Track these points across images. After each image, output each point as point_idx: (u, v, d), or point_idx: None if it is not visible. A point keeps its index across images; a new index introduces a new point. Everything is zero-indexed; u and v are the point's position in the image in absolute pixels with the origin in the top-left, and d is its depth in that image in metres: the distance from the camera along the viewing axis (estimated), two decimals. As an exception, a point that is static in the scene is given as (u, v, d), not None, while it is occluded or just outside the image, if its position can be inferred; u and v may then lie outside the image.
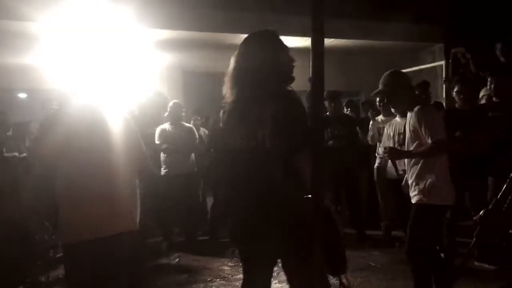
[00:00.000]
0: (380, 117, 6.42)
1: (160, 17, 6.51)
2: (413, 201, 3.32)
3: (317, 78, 1.79)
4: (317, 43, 1.78)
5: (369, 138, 6.30)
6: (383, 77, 3.61)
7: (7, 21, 6.26)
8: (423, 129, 3.20)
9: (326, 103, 6.49)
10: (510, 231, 1.67)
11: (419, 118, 3.23)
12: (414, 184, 3.34)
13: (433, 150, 3.15)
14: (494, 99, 4.64)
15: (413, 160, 3.36)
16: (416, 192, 3.31)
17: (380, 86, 3.59)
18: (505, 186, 1.73)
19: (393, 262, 5.11)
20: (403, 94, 3.42)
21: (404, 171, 5.49)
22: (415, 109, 3.29)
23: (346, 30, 7.24)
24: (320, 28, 1.75)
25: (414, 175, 3.35)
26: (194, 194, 6.20)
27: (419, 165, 3.30)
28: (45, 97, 6.77)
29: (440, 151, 3.19)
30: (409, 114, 3.41)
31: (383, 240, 6.05)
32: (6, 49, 6.49)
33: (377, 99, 6.04)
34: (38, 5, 5.91)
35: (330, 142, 6.21)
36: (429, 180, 3.21)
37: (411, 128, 3.33)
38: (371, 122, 6.47)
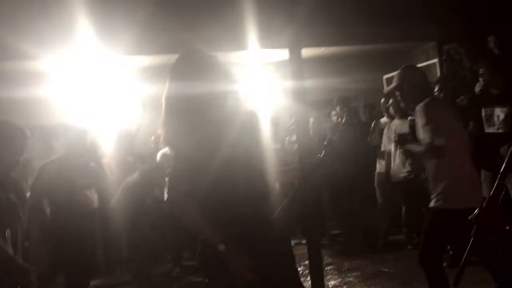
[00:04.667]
0: (383, 119, 6.35)
1: (143, 42, 6.57)
2: (430, 204, 3.11)
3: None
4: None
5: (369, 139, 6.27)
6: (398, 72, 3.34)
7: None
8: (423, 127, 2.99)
9: (338, 109, 6.51)
10: (507, 227, 1.64)
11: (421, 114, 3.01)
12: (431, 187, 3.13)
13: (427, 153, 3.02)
14: (493, 90, 4.55)
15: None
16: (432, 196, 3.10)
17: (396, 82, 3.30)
18: (496, 183, 1.70)
19: (407, 267, 5.03)
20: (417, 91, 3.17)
21: (410, 171, 5.50)
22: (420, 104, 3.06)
23: (337, 37, 7.28)
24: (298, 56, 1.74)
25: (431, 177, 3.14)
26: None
27: (433, 166, 3.09)
28: (47, 133, 6.87)
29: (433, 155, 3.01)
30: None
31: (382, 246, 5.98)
32: (7, 87, 6.56)
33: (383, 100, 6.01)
34: (40, 45, 6.02)
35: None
36: (444, 182, 3.01)
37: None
38: (373, 124, 6.39)
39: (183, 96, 1.98)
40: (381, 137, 6.06)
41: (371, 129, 6.30)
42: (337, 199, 6.55)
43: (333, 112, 6.82)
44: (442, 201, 3.02)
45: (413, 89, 3.19)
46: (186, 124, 1.97)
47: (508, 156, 1.73)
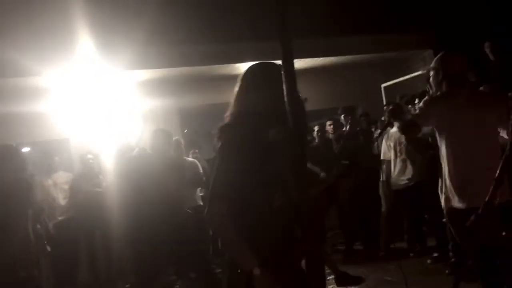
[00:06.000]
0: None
1: (143, 57, 6.60)
2: None
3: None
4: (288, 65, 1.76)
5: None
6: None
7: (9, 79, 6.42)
8: None
9: (342, 118, 6.58)
10: (504, 233, 1.65)
11: None
12: None
13: None
14: None
15: None
16: None
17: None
18: (491, 189, 1.72)
19: (410, 275, 5.01)
20: None
21: (410, 179, 5.49)
22: None
23: (334, 47, 7.33)
24: (289, 54, 1.74)
25: None
26: (203, 227, 6.16)
27: None
28: (46, 149, 6.90)
29: None
30: None
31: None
32: (9, 104, 6.57)
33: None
34: (42, 61, 6.05)
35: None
36: None
37: None
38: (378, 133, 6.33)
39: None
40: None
41: (374, 137, 6.32)
42: (340, 208, 6.56)
43: (329, 122, 6.84)
44: None
45: None
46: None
47: (501, 163, 1.75)
